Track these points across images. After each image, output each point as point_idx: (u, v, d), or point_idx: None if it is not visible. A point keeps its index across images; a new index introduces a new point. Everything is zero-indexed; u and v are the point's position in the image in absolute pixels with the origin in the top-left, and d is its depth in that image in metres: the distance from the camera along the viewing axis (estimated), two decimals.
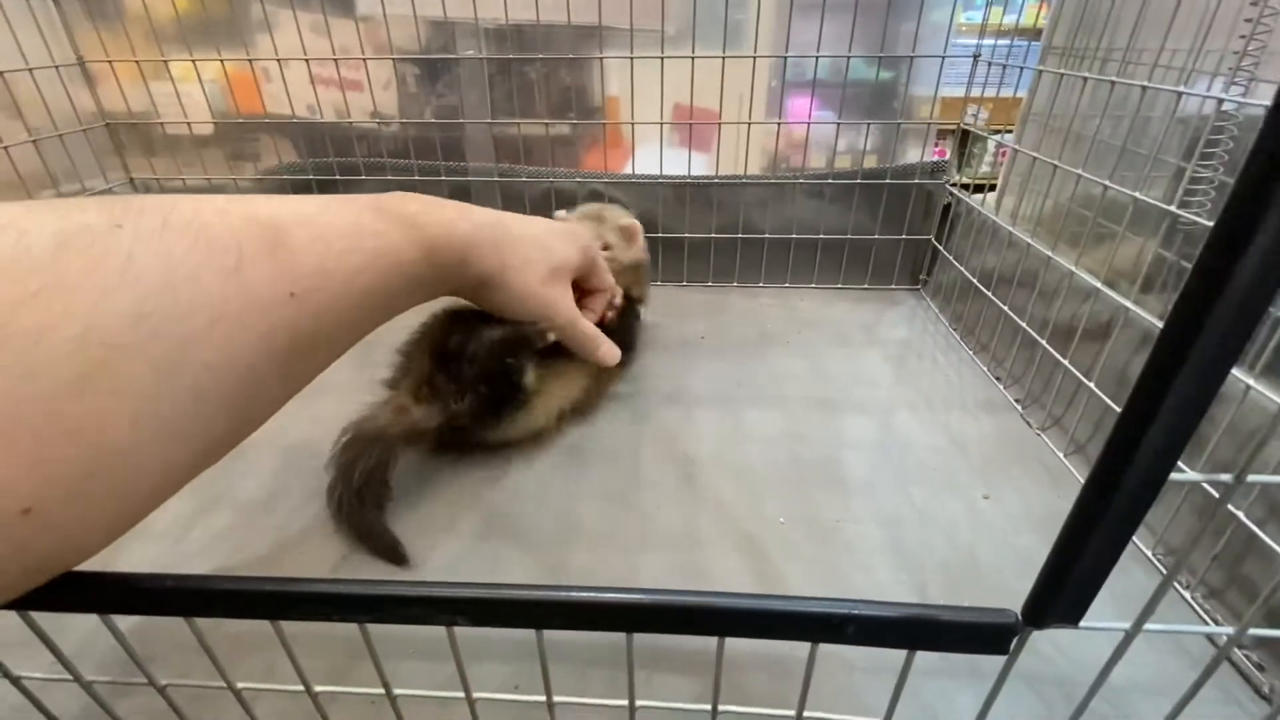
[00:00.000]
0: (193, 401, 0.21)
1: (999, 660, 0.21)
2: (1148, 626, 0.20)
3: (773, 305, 0.72)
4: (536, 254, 0.42)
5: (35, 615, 0.22)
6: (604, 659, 0.32)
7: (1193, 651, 0.33)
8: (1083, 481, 0.45)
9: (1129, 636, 0.20)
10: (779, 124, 0.70)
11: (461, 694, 0.24)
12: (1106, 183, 0.45)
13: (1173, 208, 0.41)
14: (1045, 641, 0.33)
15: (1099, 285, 0.46)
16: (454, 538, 0.40)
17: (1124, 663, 0.32)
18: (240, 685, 0.24)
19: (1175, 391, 0.15)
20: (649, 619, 0.20)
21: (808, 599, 0.20)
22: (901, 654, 0.21)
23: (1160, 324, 0.40)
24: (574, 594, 0.20)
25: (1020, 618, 0.19)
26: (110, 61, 0.71)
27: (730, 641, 0.21)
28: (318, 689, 0.24)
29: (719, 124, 0.69)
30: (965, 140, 0.71)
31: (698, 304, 0.73)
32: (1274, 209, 0.12)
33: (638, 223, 0.57)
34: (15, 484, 0.16)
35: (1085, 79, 0.49)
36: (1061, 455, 0.47)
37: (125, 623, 0.23)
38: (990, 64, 0.63)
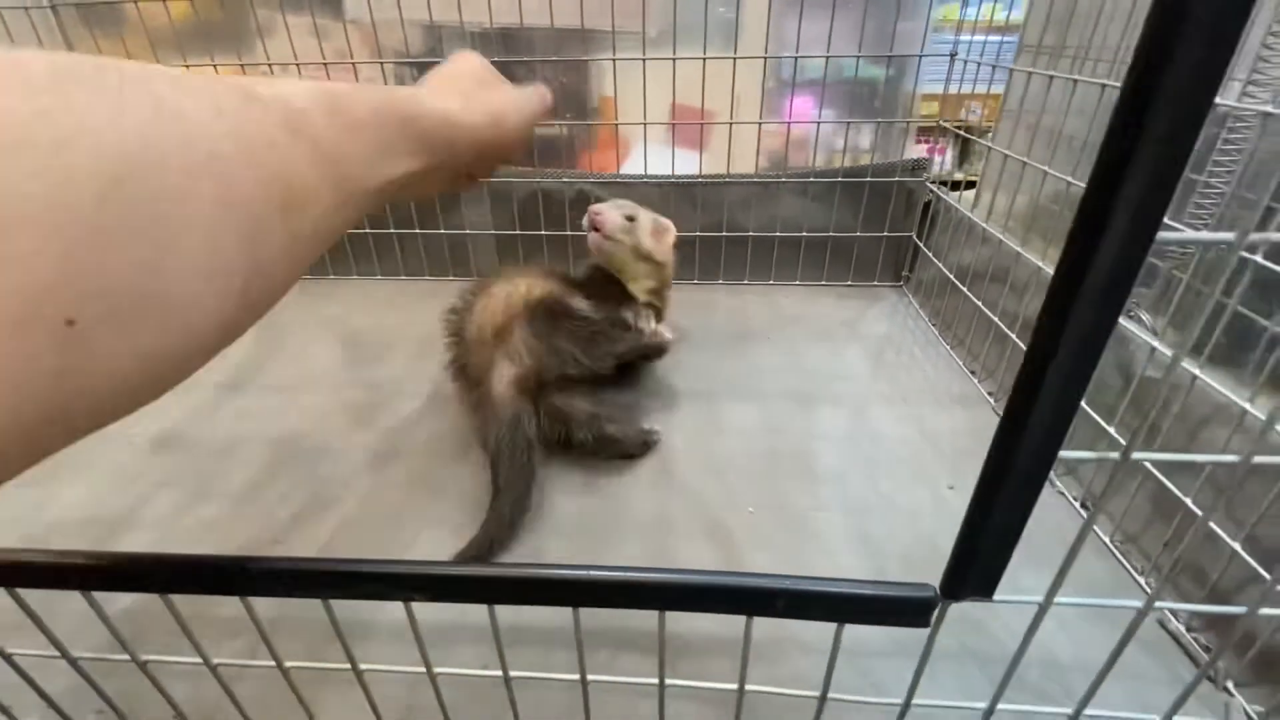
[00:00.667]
0: (205, 233, 0.21)
1: (950, 640, 0.22)
2: (1060, 599, 0.21)
3: (757, 302, 0.73)
4: (472, 84, 0.39)
5: (25, 594, 0.23)
6: (559, 638, 0.33)
7: (1143, 636, 0.34)
8: (1052, 475, 0.46)
9: (1042, 609, 0.21)
10: (759, 124, 0.71)
11: (422, 669, 0.25)
12: (1070, 179, 0.46)
13: None
14: (996, 623, 0.34)
15: None
16: (431, 525, 0.42)
17: (1071, 643, 0.34)
18: (216, 661, 0.26)
19: (1057, 362, 0.16)
20: (593, 594, 0.21)
21: (742, 574, 0.21)
22: (856, 636, 0.22)
23: (1121, 319, 0.42)
24: (523, 571, 0.21)
25: (938, 591, 0.21)
26: None
27: (695, 626, 0.22)
28: (288, 664, 0.26)
29: (701, 124, 0.70)
30: (962, 140, 0.72)
31: (683, 302, 0.74)
32: (1139, 157, 0.13)
33: (671, 223, 0.58)
34: (57, 290, 0.16)
35: (1051, 77, 0.50)
36: None
37: (114, 607, 0.25)
38: (966, 62, 0.64)
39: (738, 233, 0.75)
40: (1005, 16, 0.66)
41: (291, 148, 0.25)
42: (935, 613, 0.21)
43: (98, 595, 0.23)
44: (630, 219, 0.55)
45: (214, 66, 0.72)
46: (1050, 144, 0.52)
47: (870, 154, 0.75)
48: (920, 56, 0.66)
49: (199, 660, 0.26)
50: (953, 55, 0.66)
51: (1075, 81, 0.46)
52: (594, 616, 0.22)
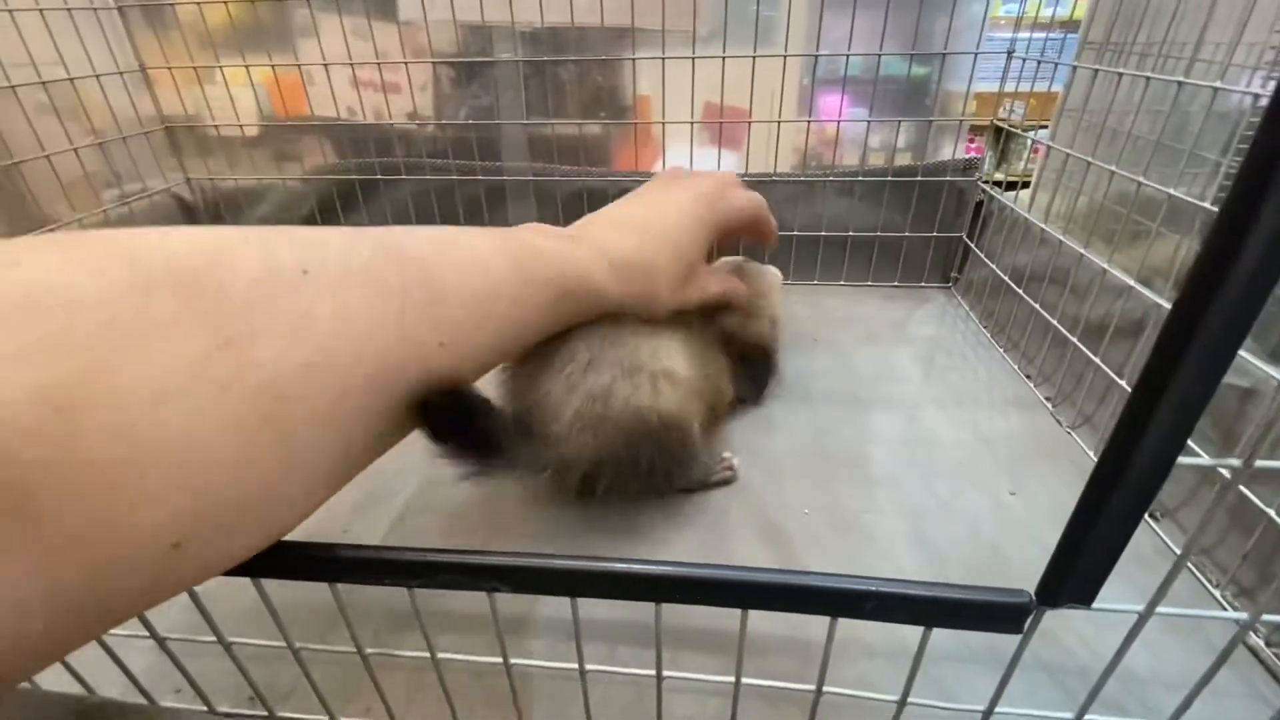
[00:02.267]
0: (342, 445, 0.22)
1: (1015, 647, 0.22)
2: (1161, 609, 0.20)
3: (801, 302, 0.73)
4: (666, 259, 0.39)
5: None
6: (632, 637, 0.33)
7: (1219, 646, 0.33)
8: None
9: (1142, 619, 0.21)
10: (809, 122, 0.71)
11: (499, 659, 0.25)
12: (1141, 179, 0.44)
13: (1207, 204, 0.41)
14: (1069, 633, 0.33)
15: (1132, 283, 0.46)
16: (486, 517, 0.42)
17: (1150, 656, 0.33)
18: (298, 645, 0.26)
19: (1183, 371, 0.15)
20: (676, 590, 0.21)
21: (829, 574, 0.21)
22: (918, 639, 0.22)
23: None
24: (607, 565, 0.22)
25: (1034, 597, 0.20)
26: (170, 68, 0.75)
27: (755, 624, 0.22)
28: (368, 650, 0.26)
29: (749, 123, 0.70)
30: (1001, 137, 0.71)
31: None
32: (1275, 194, 0.13)
33: (778, 274, 0.56)
34: (171, 522, 0.17)
35: (1120, 75, 0.48)
36: (1092, 454, 0.47)
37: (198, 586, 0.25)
38: (1024, 60, 0.63)
39: (782, 232, 0.75)
40: (1051, 14, 0.64)
41: (464, 344, 0.26)
42: (1029, 620, 0.21)
43: None
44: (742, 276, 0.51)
45: (272, 67, 0.74)
46: (1113, 143, 0.51)
47: (908, 153, 0.73)
48: (975, 54, 0.65)
49: (280, 643, 0.26)
50: (1010, 53, 0.64)
51: (1148, 79, 0.45)
52: (652, 610, 0.22)
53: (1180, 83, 0.42)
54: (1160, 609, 0.20)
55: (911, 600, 0.21)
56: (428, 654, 0.26)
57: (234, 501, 0.19)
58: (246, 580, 0.23)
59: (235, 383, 0.18)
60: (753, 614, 0.22)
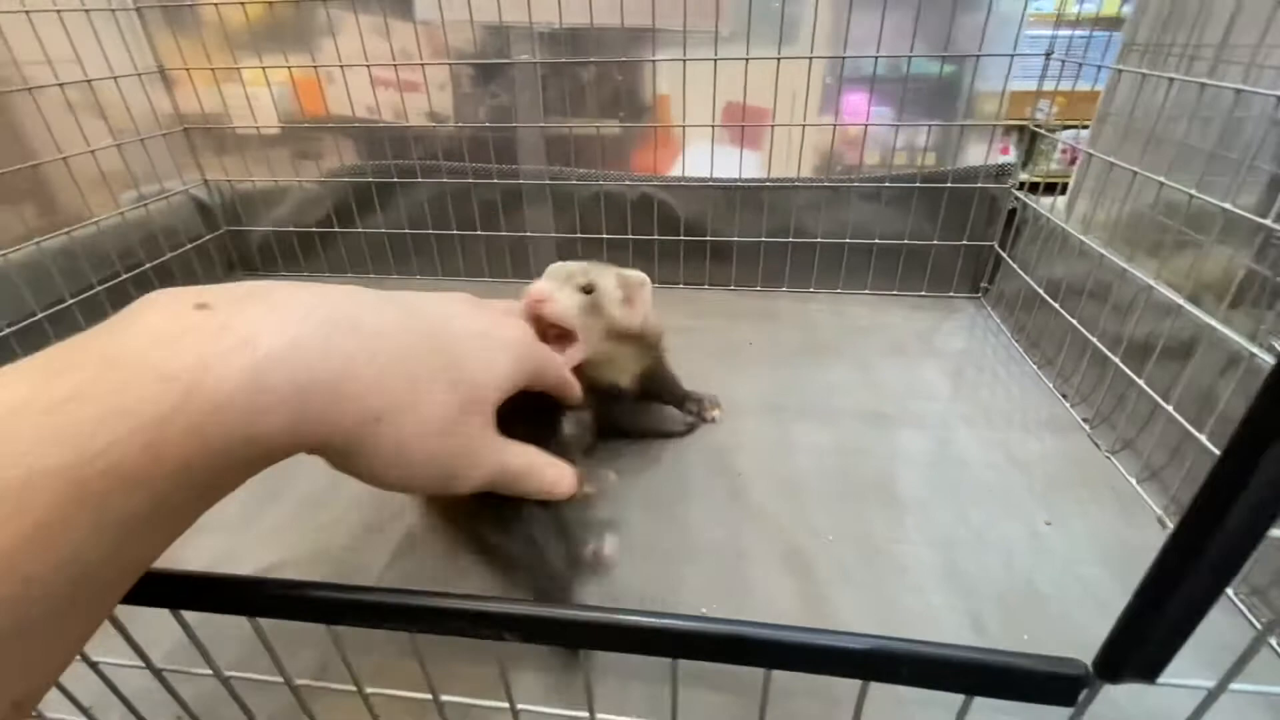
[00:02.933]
0: None
1: (1058, 713, 0.20)
2: (1234, 686, 0.18)
3: (824, 311, 0.70)
4: (431, 385, 0.24)
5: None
6: (646, 675, 0.32)
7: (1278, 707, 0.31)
8: (1156, 510, 0.42)
9: (1212, 695, 0.19)
10: (834, 126, 0.69)
11: (505, 703, 0.24)
12: (1192, 192, 0.42)
13: (1269, 221, 0.38)
14: (1118, 692, 0.31)
15: (1181, 301, 0.43)
16: None
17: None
18: (297, 681, 0.25)
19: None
20: (695, 647, 0.20)
21: (861, 635, 0.19)
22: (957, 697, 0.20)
23: (1250, 345, 0.38)
24: (621, 617, 0.20)
25: (1091, 669, 0.18)
26: (188, 69, 0.75)
27: None
28: (369, 690, 0.25)
29: (772, 126, 0.68)
30: (1031, 136, 0.68)
31: (746, 309, 0.72)
32: None
33: (644, 275, 0.42)
34: None
35: (1171, 80, 0.46)
36: (1134, 481, 0.44)
37: (191, 616, 0.24)
38: (1065, 62, 0.60)
39: (805, 239, 0.73)
40: (1082, 8, 0.60)
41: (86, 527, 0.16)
42: (1084, 694, 0.19)
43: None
44: (587, 290, 0.38)
45: (289, 69, 0.73)
46: (1158, 151, 0.48)
47: (933, 153, 0.70)
48: (1012, 56, 0.62)
49: (277, 678, 0.25)
50: (1049, 54, 0.62)
51: (1202, 85, 0.42)
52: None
53: (1239, 90, 0.39)
54: (1234, 686, 0.18)
55: (952, 666, 0.19)
56: (430, 696, 0.25)
57: None
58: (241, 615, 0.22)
59: None
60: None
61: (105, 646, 0.26)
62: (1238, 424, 0.14)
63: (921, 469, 0.46)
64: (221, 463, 0.19)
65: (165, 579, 0.21)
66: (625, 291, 0.41)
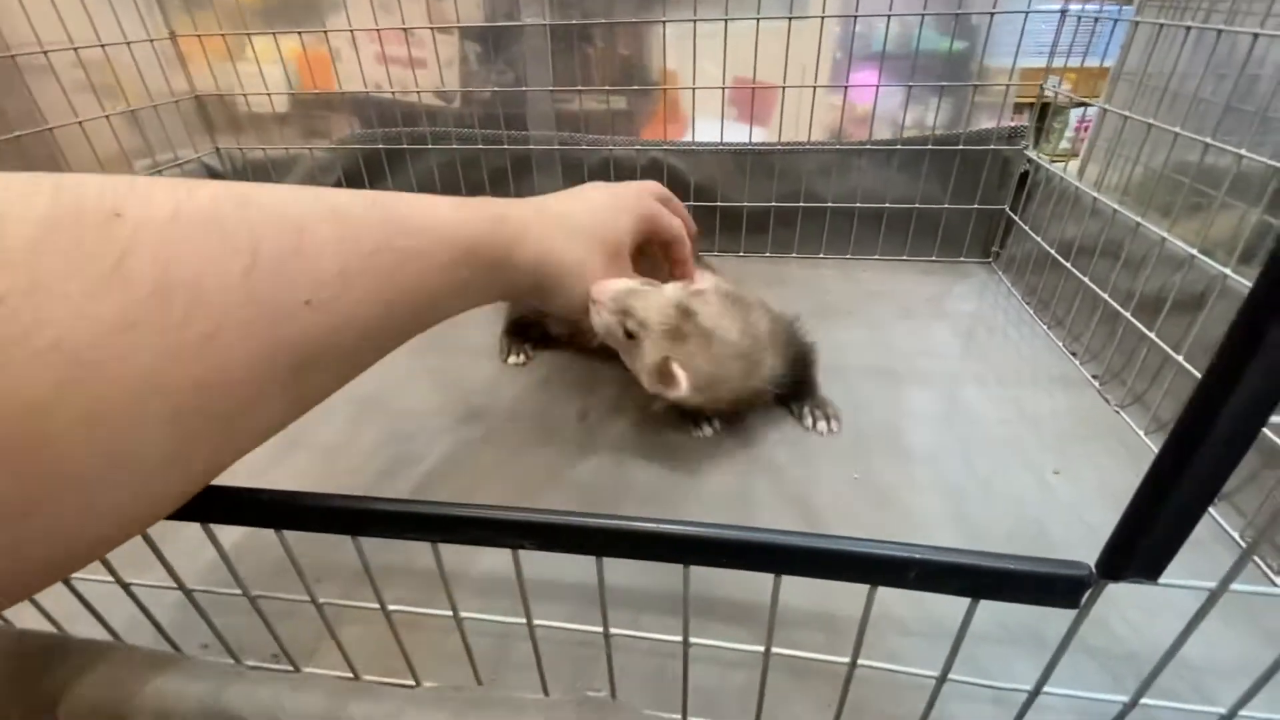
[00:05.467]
0: (172, 425, 0.18)
1: (1060, 627, 0.20)
2: (1234, 587, 0.19)
3: (834, 276, 0.70)
4: (586, 239, 0.38)
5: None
6: (655, 605, 0.33)
7: (1273, 630, 0.31)
8: None
9: (1213, 596, 0.19)
10: (845, 88, 0.68)
11: (523, 620, 0.25)
12: (1209, 140, 0.41)
13: None
14: (1112, 614, 0.32)
15: (1194, 253, 0.43)
16: (509, 483, 0.42)
17: (1199, 640, 0.31)
18: (322, 600, 0.26)
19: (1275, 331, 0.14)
20: (707, 552, 0.21)
21: (869, 540, 0.20)
22: (957, 617, 0.20)
23: None
24: (637, 524, 0.21)
25: (1094, 570, 0.19)
26: (199, 36, 0.75)
27: (781, 595, 0.21)
28: (392, 608, 0.26)
29: (782, 88, 0.67)
30: (1043, 113, 0.67)
31: (756, 275, 0.72)
32: None
33: (680, 375, 0.38)
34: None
35: (1189, 29, 0.45)
36: (1142, 433, 0.45)
37: (224, 539, 0.25)
38: (1080, 18, 0.59)
39: (816, 203, 0.73)
40: None
41: (338, 300, 0.22)
42: (1088, 594, 0.19)
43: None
44: (629, 334, 0.39)
45: (299, 35, 0.73)
46: (1173, 108, 0.48)
47: (933, 129, 0.70)
48: (1027, 12, 0.61)
49: (304, 597, 0.26)
50: (1064, 12, 0.61)
51: (1219, 32, 0.41)
52: (678, 577, 0.21)
53: (1256, 34, 0.39)
54: (1235, 586, 0.19)
55: (959, 569, 0.20)
56: (451, 613, 0.25)
57: (17, 498, 0.15)
58: (272, 536, 0.23)
59: (13, 346, 0.15)
60: (780, 584, 0.21)
61: (136, 568, 0.27)
62: (1239, 312, 0.15)
63: (931, 423, 0.47)
64: (497, 273, 0.32)
65: (202, 496, 0.22)
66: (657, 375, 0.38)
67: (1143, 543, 0.18)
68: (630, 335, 0.39)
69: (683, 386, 0.37)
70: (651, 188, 0.45)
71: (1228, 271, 0.40)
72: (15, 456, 0.15)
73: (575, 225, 0.37)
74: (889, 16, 0.63)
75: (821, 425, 0.46)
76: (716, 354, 0.39)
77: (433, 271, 0.27)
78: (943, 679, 0.23)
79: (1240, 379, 0.15)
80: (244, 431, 0.21)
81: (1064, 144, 0.80)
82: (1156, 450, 0.43)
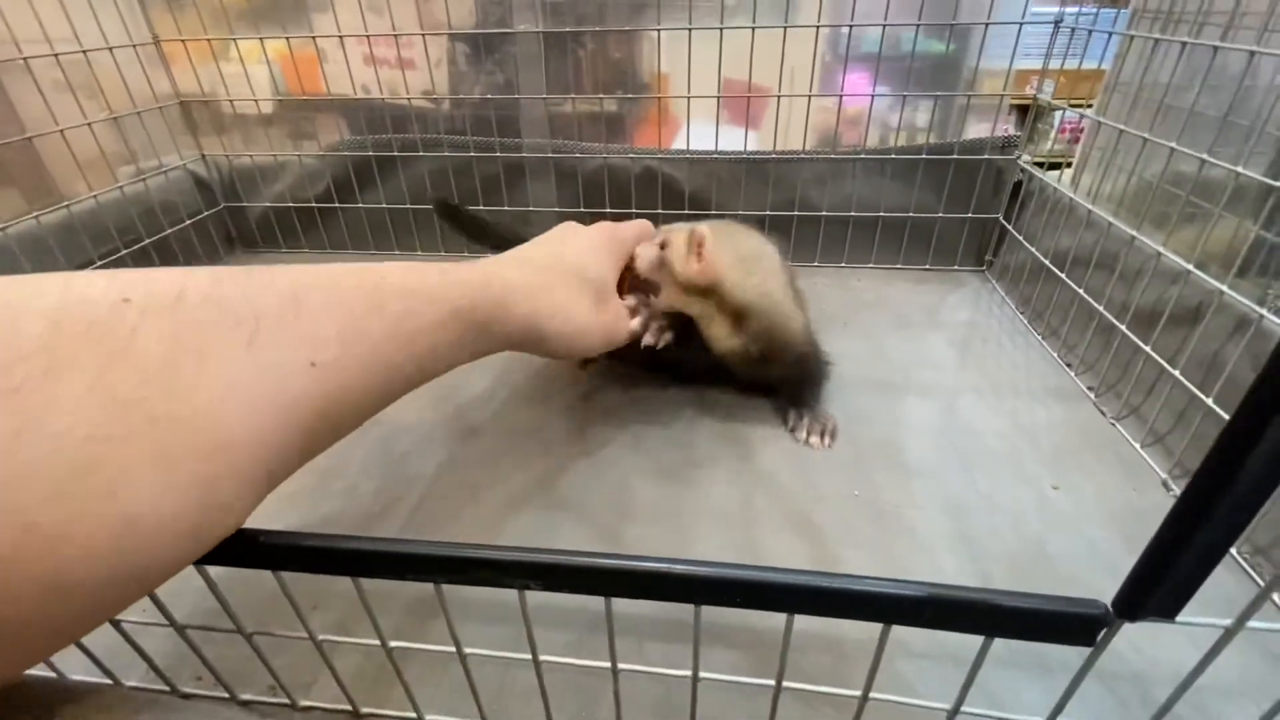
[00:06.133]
0: (198, 488, 0.19)
1: (1070, 654, 0.20)
2: (1251, 624, 0.19)
3: (828, 285, 0.70)
4: (576, 286, 0.38)
5: None
6: (661, 634, 0.32)
7: (1275, 651, 0.32)
8: (1161, 474, 0.43)
9: (1229, 633, 0.19)
10: (840, 96, 0.68)
11: (528, 655, 0.24)
12: (1205, 156, 0.42)
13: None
14: (1120, 639, 0.32)
15: (1190, 267, 0.43)
16: (508, 499, 0.41)
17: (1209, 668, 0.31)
18: (321, 637, 0.26)
19: None
20: (720, 592, 0.20)
21: (883, 579, 0.20)
22: (970, 645, 0.20)
23: (1259, 309, 0.38)
24: (645, 564, 0.20)
25: (1111, 609, 0.19)
26: (183, 40, 0.73)
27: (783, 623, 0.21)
28: (392, 644, 0.25)
29: (777, 96, 0.67)
30: (1031, 116, 0.67)
31: None
32: None
33: (706, 230, 0.43)
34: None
35: (1184, 44, 0.45)
36: (1138, 446, 0.45)
37: (216, 571, 0.24)
38: (1074, 30, 0.60)
39: (810, 212, 0.72)
40: None
41: (341, 359, 0.23)
42: (1104, 633, 0.19)
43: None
44: (662, 246, 0.44)
45: (287, 40, 0.72)
46: (1166, 120, 0.48)
47: (933, 134, 0.70)
48: (1021, 24, 0.61)
49: (301, 634, 0.25)
50: (1057, 23, 0.61)
51: (1215, 48, 0.42)
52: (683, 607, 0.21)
53: (1253, 52, 0.39)
54: (1252, 624, 0.19)
55: (974, 608, 0.19)
56: (453, 648, 0.25)
57: (45, 579, 0.16)
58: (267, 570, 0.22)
59: (27, 432, 0.15)
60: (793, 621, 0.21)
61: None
62: (1251, 384, 0.14)
63: (929, 436, 0.47)
64: (489, 331, 0.33)
65: None
66: (690, 246, 0.43)
67: (1162, 584, 0.18)
68: (663, 247, 0.44)
69: (708, 242, 0.42)
70: (626, 228, 0.47)
71: (1224, 288, 0.40)
72: (41, 541, 0.15)
73: (561, 275, 0.38)
74: (884, 26, 0.63)
75: (814, 440, 0.46)
76: (731, 246, 0.45)
77: (428, 330, 0.28)
78: (955, 711, 0.23)
79: (1270, 420, 0.15)
80: (262, 488, 0.22)
81: (1052, 145, 0.81)
82: (1152, 463, 0.44)
